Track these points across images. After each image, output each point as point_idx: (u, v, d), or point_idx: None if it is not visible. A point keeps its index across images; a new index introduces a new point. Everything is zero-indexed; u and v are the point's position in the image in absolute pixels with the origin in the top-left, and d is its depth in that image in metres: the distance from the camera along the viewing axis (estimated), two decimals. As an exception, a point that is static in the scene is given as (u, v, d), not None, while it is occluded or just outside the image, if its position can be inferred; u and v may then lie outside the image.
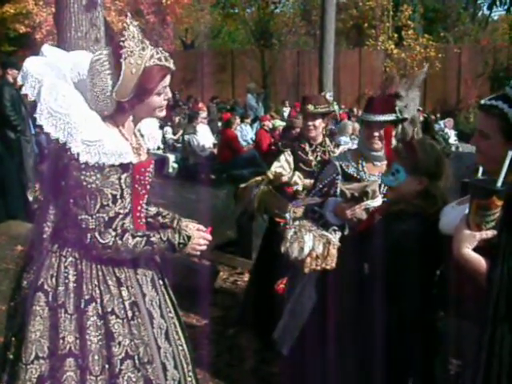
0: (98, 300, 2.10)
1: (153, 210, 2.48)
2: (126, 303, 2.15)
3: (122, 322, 2.12)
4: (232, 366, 3.84)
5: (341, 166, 3.10)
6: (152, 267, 2.33)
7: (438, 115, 18.20)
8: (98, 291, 2.11)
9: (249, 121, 14.01)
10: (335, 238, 2.78)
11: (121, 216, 2.09)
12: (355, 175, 3.07)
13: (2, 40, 18.17)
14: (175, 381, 2.27)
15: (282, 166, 4.07)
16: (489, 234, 1.79)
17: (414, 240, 2.15)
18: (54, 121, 2.00)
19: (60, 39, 4.52)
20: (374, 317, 2.21)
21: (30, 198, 6.56)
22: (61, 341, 2.06)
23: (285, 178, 4.03)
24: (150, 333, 2.21)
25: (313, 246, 2.75)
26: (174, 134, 12.34)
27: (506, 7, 24.72)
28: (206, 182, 9.37)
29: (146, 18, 18.00)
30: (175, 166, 10.84)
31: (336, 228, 2.91)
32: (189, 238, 2.21)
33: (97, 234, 2.05)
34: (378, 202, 2.77)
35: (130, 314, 2.14)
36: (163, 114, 2.25)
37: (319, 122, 4.05)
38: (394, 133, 2.92)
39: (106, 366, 2.09)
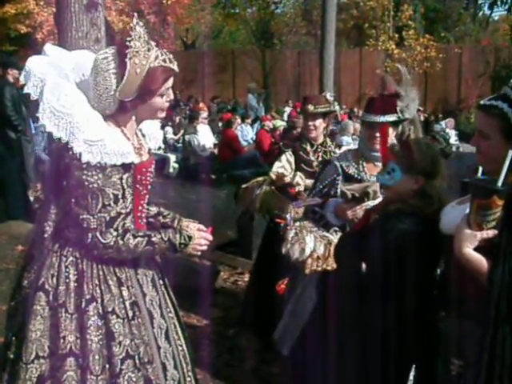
0: (99, 300, 2.10)
1: (154, 209, 2.48)
2: (127, 303, 2.14)
3: (122, 321, 2.12)
4: (232, 366, 3.84)
5: (341, 167, 3.09)
6: (152, 267, 2.33)
7: (440, 115, 18.20)
8: (98, 291, 2.11)
9: (249, 121, 14.02)
10: (336, 238, 2.78)
11: (122, 216, 2.09)
12: (356, 176, 3.06)
13: (2, 40, 18.16)
14: (175, 381, 2.27)
15: (284, 166, 4.07)
16: (490, 233, 1.78)
17: (411, 239, 2.15)
18: (57, 120, 2.00)
19: (61, 39, 4.51)
20: (372, 317, 2.21)
21: (31, 198, 6.56)
22: (61, 340, 2.06)
23: (287, 179, 4.02)
24: (151, 333, 2.21)
25: (314, 246, 2.75)
26: (175, 134, 12.35)
27: (506, 7, 24.80)
28: (207, 182, 9.38)
29: (147, 18, 17.98)
30: (176, 166, 10.84)
31: (337, 229, 2.91)
32: (190, 238, 2.21)
33: (98, 234, 2.05)
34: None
35: (130, 313, 2.14)
36: (163, 115, 2.25)
37: (320, 122, 4.04)
38: (394, 133, 2.92)
39: (107, 366, 2.09)
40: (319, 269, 2.71)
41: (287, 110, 15.92)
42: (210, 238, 2.30)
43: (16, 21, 16.88)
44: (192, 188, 9.34)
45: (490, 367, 1.59)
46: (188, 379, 2.35)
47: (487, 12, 28.09)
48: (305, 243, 2.77)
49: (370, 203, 2.78)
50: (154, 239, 2.13)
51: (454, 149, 14.15)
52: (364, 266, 2.32)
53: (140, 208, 2.26)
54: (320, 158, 4.03)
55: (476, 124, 2.02)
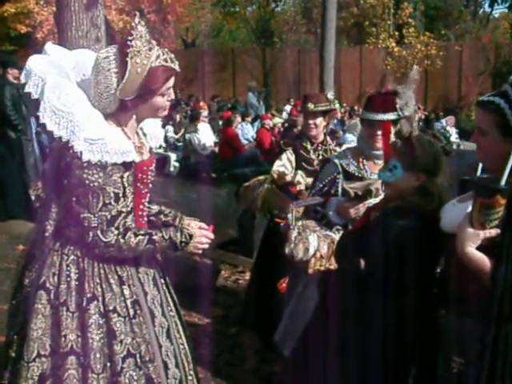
0: (100, 298, 2.11)
1: (155, 208, 2.48)
2: (128, 301, 2.15)
3: (123, 320, 2.12)
4: (233, 365, 3.84)
5: (341, 165, 3.08)
6: (154, 266, 2.33)
7: (440, 113, 18.18)
8: (99, 289, 2.11)
9: (249, 119, 14.01)
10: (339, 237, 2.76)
11: (123, 214, 2.09)
12: (357, 174, 3.05)
13: (2, 39, 18.16)
14: (176, 379, 2.27)
15: (284, 164, 4.06)
16: (492, 232, 1.78)
17: (411, 236, 2.15)
18: (57, 119, 2.00)
19: (61, 38, 4.51)
20: (372, 314, 2.21)
21: (32, 197, 6.55)
22: (63, 339, 2.06)
23: (288, 178, 4.02)
24: (152, 331, 2.21)
25: (318, 246, 2.74)
26: (176, 132, 12.34)
27: (507, 4, 24.78)
28: (207, 181, 9.37)
29: (147, 17, 17.99)
30: (176, 164, 10.83)
31: (339, 228, 2.89)
32: (191, 236, 2.21)
33: (99, 233, 2.05)
34: None
35: (131, 312, 2.14)
36: (165, 114, 2.25)
37: (320, 121, 4.04)
38: (393, 131, 2.91)
39: (108, 364, 2.09)
40: (322, 268, 2.70)
41: (288, 108, 15.91)
42: (212, 236, 2.30)
43: (16, 20, 16.89)
44: (193, 187, 9.33)
45: (492, 366, 1.59)
46: (189, 378, 2.35)
47: (488, 10, 28.07)
48: (308, 243, 2.76)
49: (373, 201, 2.77)
50: (155, 237, 2.13)
51: (454, 147, 14.15)
52: (363, 263, 2.31)
53: (141, 207, 2.26)
54: (320, 157, 4.02)
55: (475, 121, 2.02)
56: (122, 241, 2.07)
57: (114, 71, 2.05)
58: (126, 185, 2.10)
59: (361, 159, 3.08)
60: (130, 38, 2.02)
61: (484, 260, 1.78)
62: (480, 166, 1.96)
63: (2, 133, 6.88)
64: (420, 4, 23.94)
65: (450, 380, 1.98)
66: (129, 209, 2.11)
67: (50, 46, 2.28)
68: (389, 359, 2.13)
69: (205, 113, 11.82)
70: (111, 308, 2.11)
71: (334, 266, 2.65)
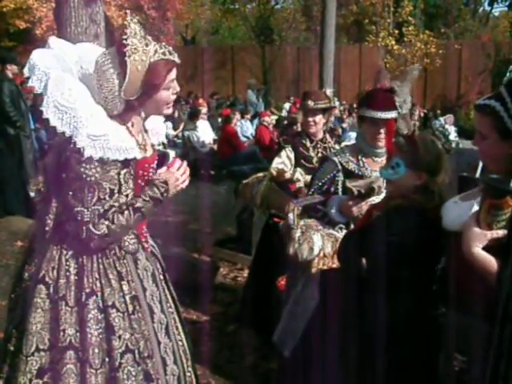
0: (99, 293, 2.11)
1: None
2: (127, 297, 2.15)
3: (122, 315, 2.12)
4: (232, 362, 3.84)
5: (340, 163, 3.07)
6: (153, 262, 2.33)
7: (438, 111, 18.18)
8: (98, 285, 2.11)
9: (249, 117, 13.99)
10: (342, 236, 2.74)
11: (114, 209, 2.08)
12: (357, 171, 3.04)
13: (1, 35, 18.14)
14: (174, 376, 2.27)
15: (283, 162, 4.05)
16: (500, 233, 1.78)
17: (412, 235, 2.15)
18: (60, 114, 2.00)
19: (60, 34, 4.49)
20: (374, 313, 2.21)
21: (32, 193, 6.55)
22: (61, 333, 2.06)
23: (287, 175, 4.01)
24: (151, 327, 2.21)
25: (322, 245, 2.71)
26: (175, 129, 12.33)
27: (507, 3, 24.77)
28: (206, 178, 9.35)
29: (147, 14, 17.97)
30: (175, 161, 10.80)
31: (342, 226, 2.87)
32: (165, 182, 2.19)
33: (91, 227, 2.04)
34: None
35: (130, 308, 2.15)
36: (170, 111, 2.25)
37: (319, 118, 4.03)
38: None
39: (106, 360, 2.09)
40: (325, 267, 2.68)
41: (287, 106, 15.90)
42: (182, 167, 2.26)
43: (15, 16, 16.87)
44: (191, 184, 9.26)
45: (495, 366, 1.58)
46: (188, 374, 2.36)
47: (487, 8, 28.09)
48: (313, 242, 2.72)
49: (375, 199, 2.76)
50: (138, 205, 2.12)
51: (453, 145, 14.14)
52: (364, 261, 2.31)
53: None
54: (320, 154, 4.02)
55: (475, 124, 2.02)
56: (113, 226, 2.06)
57: (115, 73, 2.05)
58: (122, 182, 2.10)
59: (359, 157, 3.07)
60: (124, 37, 2.02)
61: (491, 261, 1.78)
62: (480, 165, 1.97)
63: (1, 129, 6.86)
64: (420, 2, 23.91)
65: (452, 378, 1.98)
66: (120, 204, 2.10)
67: (53, 40, 2.27)
68: (389, 358, 2.13)
69: (204, 110, 11.81)
70: (110, 303, 2.11)
71: (336, 264, 2.63)
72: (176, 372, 2.28)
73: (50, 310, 2.09)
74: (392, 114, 2.88)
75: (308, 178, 3.88)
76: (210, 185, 9.21)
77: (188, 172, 2.27)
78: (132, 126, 2.19)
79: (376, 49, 20.99)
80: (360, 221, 2.59)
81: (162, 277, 2.36)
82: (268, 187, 4.08)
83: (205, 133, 11.15)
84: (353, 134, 9.31)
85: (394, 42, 20.70)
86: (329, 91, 4.35)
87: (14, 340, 2.14)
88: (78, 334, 2.07)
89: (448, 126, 15.57)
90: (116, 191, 2.08)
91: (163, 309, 2.29)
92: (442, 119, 16.16)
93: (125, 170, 2.10)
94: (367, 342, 2.20)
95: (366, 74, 20.24)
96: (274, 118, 11.97)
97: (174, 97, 2.20)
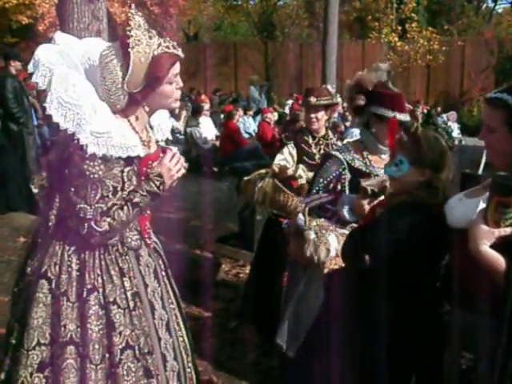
0: (100, 289, 2.11)
1: None
2: (128, 293, 2.15)
3: (123, 312, 2.12)
4: (234, 359, 3.84)
5: (346, 160, 3.02)
6: (155, 258, 2.33)
7: (439, 108, 18.12)
8: (100, 281, 2.12)
9: (251, 113, 13.99)
10: None
11: (116, 206, 2.08)
12: (364, 169, 3.00)
13: (4, 31, 18.15)
14: (174, 372, 2.28)
15: (286, 158, 4.05)
16: (508, 231, 1.76)
17: (417, 231, 2.15)
18: (64, 111, 1.99)
19: (62, 30, 4.48)
20: (378, 311, 2.21)
21: (35, 190, 6.56)
22: (62, 328, 2.07)
23: (289, 172, 3.99)
24: (151, 324, 2.22)
25: (338, 246, 2.68)
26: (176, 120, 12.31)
27: (510, 0, 24.66)
28: (209, 175, 9.35)
29: (151, 10, 17.96)
30: (178, 158, 10.79)
31: (354, 225, 2.83)
32: (160, 175, 2.17)
33: (93, 224, 2.04)
34: None
35: (131, 304, 2.15)
36: (177, 105, 2.24)
37: (322, 115, 4.02)
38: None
39: (106, 355, 2.10)
40: (336, 267, 2.66)
41: (290, 102, 15.88)
42: (175, 158, 2.23)
43: (18, 11, 16.87)
44: (194, 180, 9.31)
45: (503, 365, 1.58)
46: (188, 370, 2.36)
47: (491, 5, 28.00)
48: (329, 243, 2.70)
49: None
50: (135, 200, 2.11)
51: (456, 142, 14.12)
52: (367, 258, 2.30)
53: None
54: (322, 151, 4.00)
55: (483, 118, 2.01)
56: (114, 223, 2.07)
57: (119, 65, 2.04)
58: (126, 179, 2.10)
59: (365, 154, 3.04)
60: (128, 28, 2.02)
61: (498, 259, 1.75)
62: (483, 162, 1.95)
63: (4, 125, 6.88)
64: (423, -1, 23.84)
65: (459, 376, 1.97)
66: (123, 201, 2.10)
67: (59, 35, 2.27)
68: (391, 357, 2.12)
69: (206, 106, 11.81)
70: (111, 299, 2.11)
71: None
72: (176, 368, 2.28)
73: (52, 305, 2.09)
74: (407, 117, 2.88)
75: (310, 174, 3.87)
76: (212, 181, 9.21)
77: (182, 161, 2.24)
78: (137, 119, 2.18)
79: (379, 45, 20.95)
80: (364, 218, 2.58)
81: (164, 273, 2.36)
82: (270, 184, 4.07)
83: (207, 129, 11.15)
84: (356, 131, 9.29)
85: (396, 39, 20.66)
86: (329, 86, 4.32)
87: (15, 334, 2.15)
88: (78, 330, 2.08)
89: (451, 122, 15.54)
90: (119, 189, 2.08)
91: (164, 305, 2.29)
92: (444, 116, 16.13)
93: (128, 168, 2.10)
94: (371, 340, 2.20)
95: (369, 71, 20.19)
96: (276, 114, 11.98)
97: (179, 92, 2.19)
